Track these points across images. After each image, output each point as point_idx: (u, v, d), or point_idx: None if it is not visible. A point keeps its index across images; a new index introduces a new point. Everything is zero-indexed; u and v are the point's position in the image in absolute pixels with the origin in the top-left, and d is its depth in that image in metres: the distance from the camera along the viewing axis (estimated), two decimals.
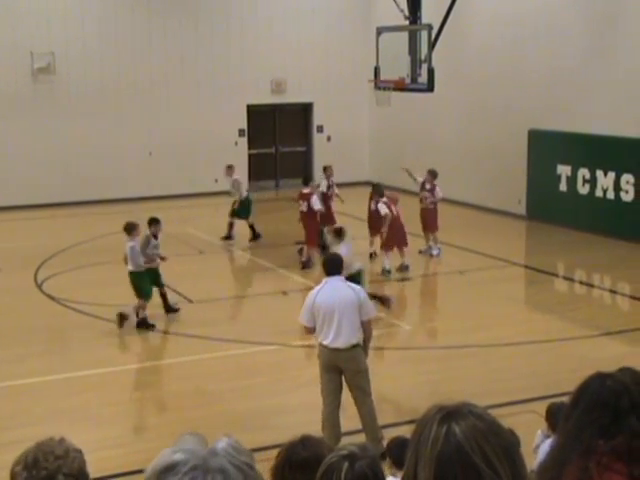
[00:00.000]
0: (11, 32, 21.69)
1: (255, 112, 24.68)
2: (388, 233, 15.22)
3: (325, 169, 17.89)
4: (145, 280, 12.65)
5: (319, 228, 16.27)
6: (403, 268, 15.49)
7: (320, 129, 25.59)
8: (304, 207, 16.09)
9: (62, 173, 22.48)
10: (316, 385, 8.96)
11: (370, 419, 8.31)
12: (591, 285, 15.35)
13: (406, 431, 8.18)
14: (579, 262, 16.46)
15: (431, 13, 17.52)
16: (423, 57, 16.72)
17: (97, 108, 22.68)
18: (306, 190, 16.27)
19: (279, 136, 25.58)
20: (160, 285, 13.15)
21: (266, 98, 24.60)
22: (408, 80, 17.10)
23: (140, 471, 7.91)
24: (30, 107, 22.13)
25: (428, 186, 16.75)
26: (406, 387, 10.27)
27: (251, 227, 18.34)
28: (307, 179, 16.76)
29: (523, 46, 19.84)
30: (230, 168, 18.60)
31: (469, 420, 1.91)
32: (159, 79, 23.23)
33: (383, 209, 15.26)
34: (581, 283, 15.54)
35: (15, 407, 9.97)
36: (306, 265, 15.89)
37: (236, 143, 24.58)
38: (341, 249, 12.22)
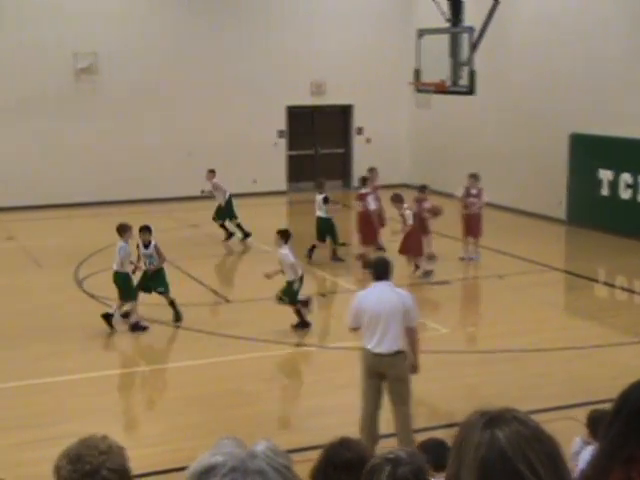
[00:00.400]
0: (54, 33, 21.94)
1: (295, 113, 24.75)
2: (415, 240, 15.15)
3: (370, 171, 17.74)
4: (129, 282, 12.58)
5: (375, 228, 16.29)
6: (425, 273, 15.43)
7: (360, 131, 25.59)
8: (360, 207, 16.15)
9: (103, 172, 22.69)
10: (353, 387, 8.95)
11: (403, 428, 8.23)
12: (632, 291, 15.16)
13: (441, 435, 8.16)
14: (620, 268, 16.27)
15: (473, 15, 17.44)
16: (464, 59, 16.65)
17: (138, 108, 22.87)
18: (364, 190, 16.35)
19: (318, 138, 25.61)
20: (159, 291, 12.89)
21: (306, 100, 24.64)
22: (449, 83, 17.05)
23: (176, 469, 7.95)
24: (72, 107, 22.39)
25: (474, 191, 16.41)
26: (442, 391, 10.21)
27: (222, 227, 18.38)
28: (365, 179, 16.76)
29: (565, 48, 19.65)
30: (211, 172, 18.66)
31: (513, 426, 1.89)
32: (200, 79, 23.36)
33: (411, 218, 15.22)
34: (622, 289, 15.35)
35: (54, 404, 10.08)
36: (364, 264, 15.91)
37: (275, 144, 24.65)
38: (286, 254, 12.14)
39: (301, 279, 12.47)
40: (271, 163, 24.49)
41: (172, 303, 12.83)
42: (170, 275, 15.68)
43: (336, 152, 25.89)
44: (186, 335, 12.38)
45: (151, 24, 22.99)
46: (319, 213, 16.48)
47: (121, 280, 12.53)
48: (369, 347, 8.18)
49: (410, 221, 15.14)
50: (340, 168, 25.84)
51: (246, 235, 18.29)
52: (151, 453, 8.47)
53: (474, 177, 16.53)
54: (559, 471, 1.89)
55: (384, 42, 24.73)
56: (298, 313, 12.50)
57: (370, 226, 16.15)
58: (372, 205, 16.06)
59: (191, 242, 18.39)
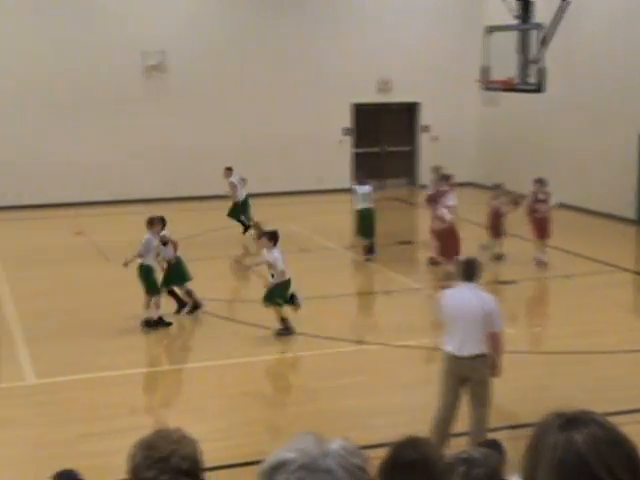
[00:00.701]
0: (123, 31, 22.30)
1: (360, 111, 24.73)
2: (450, 241, 15.08)
3: (436, 170, 17.67)
4: (151, 275, 12.60)
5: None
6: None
7: (426, 129, 25.44)
8: (442, 204, 16.17)
9: (171, 169, 23.00)
10: (416, 386, 8.93)
11: (477, 429, 8.12)
12: None
13: (505, 436, 8.07)
14: None
15: (542, 11, 17.20)
16: (533, 57, 16.45)
17: (205, 105, 23.12)
18: (443, 188, 16.33)
19: (384, 135, 25.54)
20: (169, 284, 13.03)
21: (372, 97, 24.60)
22: (517, 80, 16.86)
23: (240, 464, 8.04)
24: (141, 104, 22.72)
25: (542, 196, 16.04)
26: (507, 392, 10.09)
27: (242, 222, 18.44)
28: (447, 177, 16.69)
29: (636, 45, 19.25)
30: (229, 170, 18.68)
31: (590, 428, 1.87)
32: (266, 76, 23.51)
33: (448, 215, 15.17)
34: None
35: (121, 396, 10.25)
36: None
37: (340, 141, 24.67)
38: (277, 257, 11.91)
39: (289, 282, 12.13)
40: (336, 161, 24.51)
41: (172, 293, 13.01)
42: (232, 271, 15.87)
43: (402, 150, 25.80)
44: (249, 331, 12.46)
45: (218, 23, 23.20)
46: (363, 205, 16.32)
47: (144, 273, 12.58)
48: (450, 349, 8.11)
49: (448, 217, 15.08)
50: (406, 166, 25.74)
51: (246, 229, 18.32)
52: (215, 447, 8.54)
53: (540, 182, 16.13)
54: (639, 475, 1.86)
55: (451, 39, 24.55)
56: (282, 320, 12.13)
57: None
58: (451, 201, 16.05)
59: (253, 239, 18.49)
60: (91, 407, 9.81)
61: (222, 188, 20.40)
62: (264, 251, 12.08)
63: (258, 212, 20.77)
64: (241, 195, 18.50)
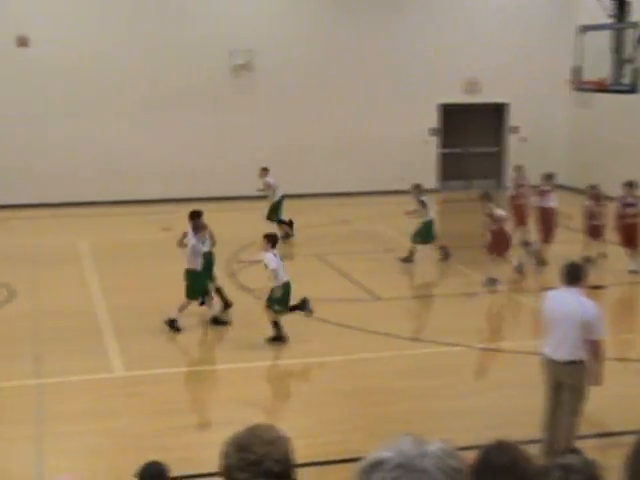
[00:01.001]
0: (211, 30, 22.58)
1: (447, 111, 24.55)
2: (502, 238, 14.92)
3: (518, 169, 17.56)
4: (198, 280, 12.55)
5: (555, 225, 16.15)
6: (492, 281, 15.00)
7: (515, 129, 25.09)
8: (543, 203, 16.08)
9: (258, 167, 23.19)
10: (495, 389, 8.78)
11: (565, 437, 7.99)
12: None
13: (593, 445, 7.93)
14: None
15: (638, 9, 16.80)
16: (628, 56, 16.08)
17: (293, 104, 23.26)
18: (546, 187, 16.15)
19: (471, 136, 25.29)
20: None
21: (459, 97, 24.39)
22: (610, 81, 16.51)
23: (328, 462, 8.07)
24: (229, 103, 22.99)
25: (630, 200, 15.61)
26: (597, 400, 9.85)
27: (280, 223, 18.22)
28: (550, 176, 16.53)
29: None
30: (264, 170, 18.58)
31: None
32: (353, 77, 23.52)
33: (501, 212, 15.04)
34: None
35: (207, 391, 10.38)
36: (543, 262, 15.74)
37: (426, 142, 24.53)
38: (270, 257, 11.67)
39: (285, 286, 11.86)
40: (421, 161, 24.37)
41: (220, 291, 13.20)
42: (317, 270, 15.92)
43: (489, 151, 25.51)
44: (333, 330, 12.48)
45: (305, 22, 23.32)
46: (432, 215, 16.48)
47: (190, 277, 12.58)
48: (547, 351, 8.05)
49: (503, 216, 14.91)
50: (493, 167, 25.44)
51: (287, 235, 18.23)
52: (302, 445, 8.55)
53: (630, 185, 15.64)
54: None
55: (542, 38, 24.17)
56: (275, 325, 11.89)
57: (550, 223, 15.87)
58: (552, 202, 15.90)
59: (340, 238, 18.55)
60: (176, 400, 9.98)
61: (309, 186, 20.62)
62: (261, 252, 12.05)
63: (345, 211, 20.89)
64: (277, 195, 18.52)
